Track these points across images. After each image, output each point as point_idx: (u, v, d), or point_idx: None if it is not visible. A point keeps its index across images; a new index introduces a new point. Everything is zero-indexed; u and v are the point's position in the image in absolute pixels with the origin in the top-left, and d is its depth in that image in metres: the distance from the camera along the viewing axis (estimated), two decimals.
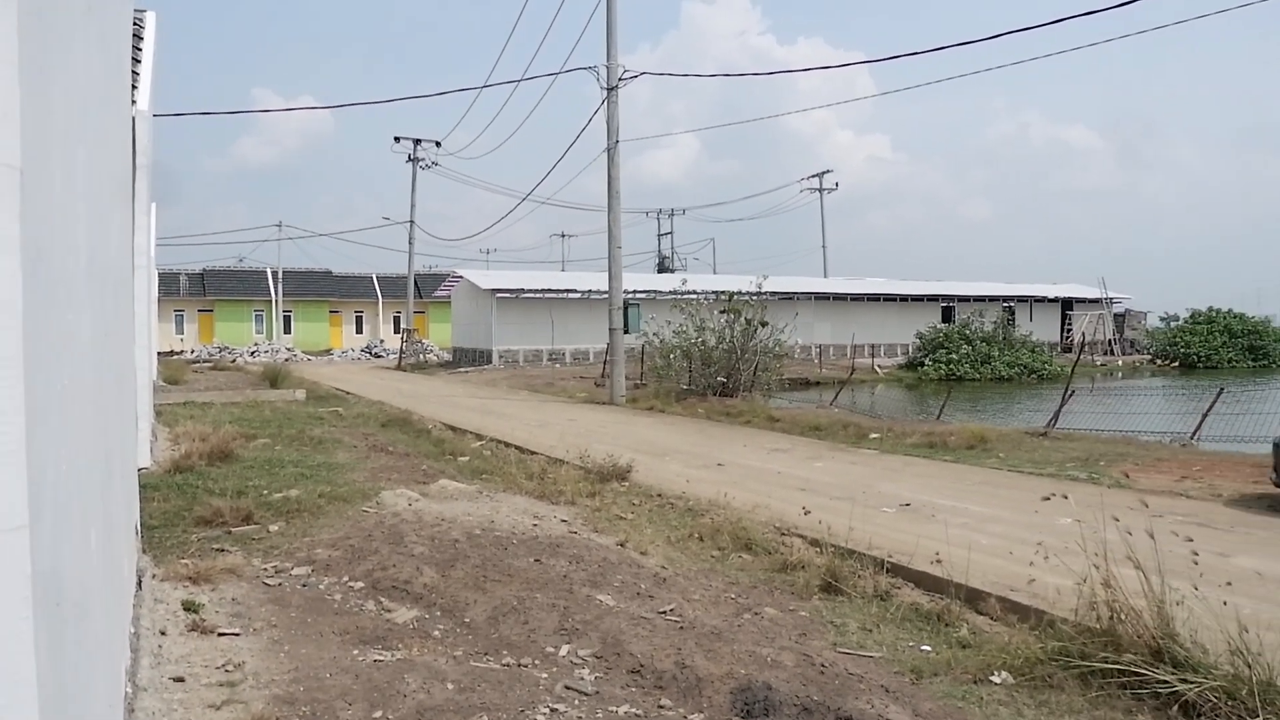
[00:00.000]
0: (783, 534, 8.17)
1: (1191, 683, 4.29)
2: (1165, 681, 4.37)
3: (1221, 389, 16.38)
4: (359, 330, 64.47)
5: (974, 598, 6.09)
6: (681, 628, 5.38)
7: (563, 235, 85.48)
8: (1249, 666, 4.24)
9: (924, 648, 5.38)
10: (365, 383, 30.05)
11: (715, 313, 23.73)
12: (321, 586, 6.11)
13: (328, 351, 57.86)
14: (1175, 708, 4.31)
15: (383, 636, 5.17)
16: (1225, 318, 52.99)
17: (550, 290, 42.77)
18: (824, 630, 5.69)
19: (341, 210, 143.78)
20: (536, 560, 6.61)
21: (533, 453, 13.56)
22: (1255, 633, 4.28)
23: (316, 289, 63.79)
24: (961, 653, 5.17)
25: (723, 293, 25.40)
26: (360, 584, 6.14)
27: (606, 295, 24.62)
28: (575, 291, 42.76)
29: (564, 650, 5.00)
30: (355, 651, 4.89)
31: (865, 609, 6.08)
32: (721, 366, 23.06)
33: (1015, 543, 7.24)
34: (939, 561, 6.49)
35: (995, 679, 4.82)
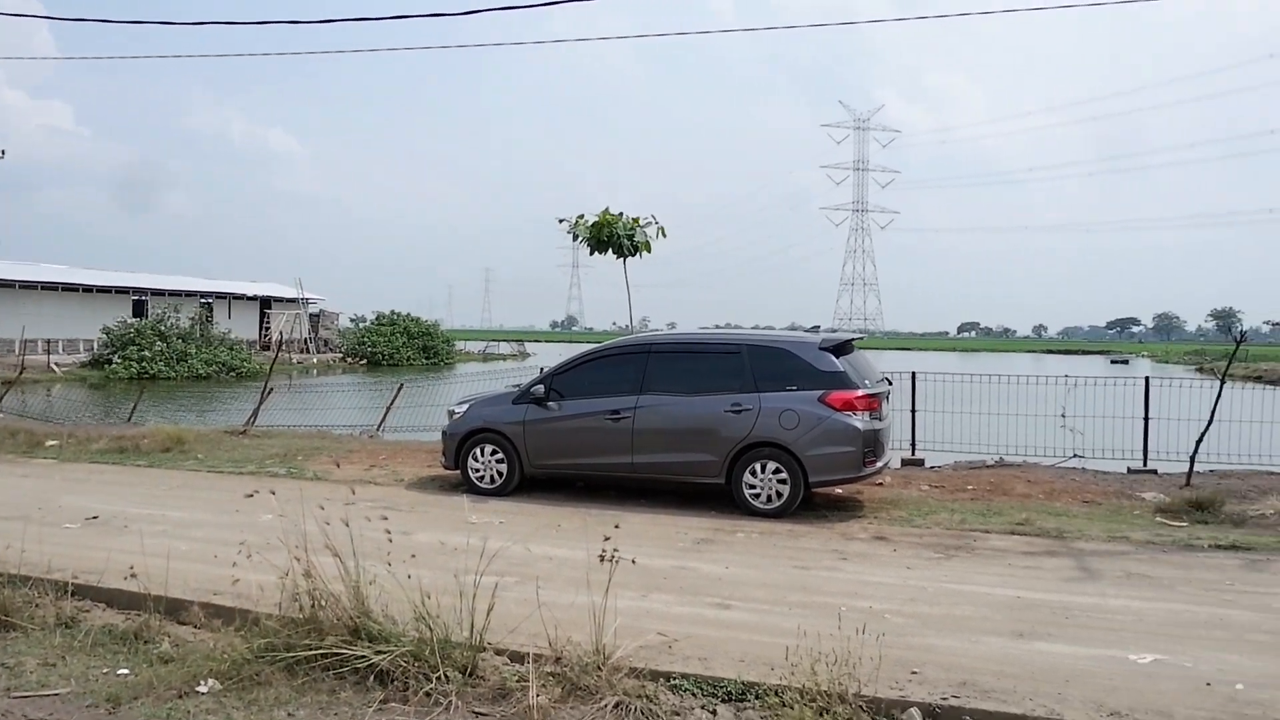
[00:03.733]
0: None
1: (384, 652, 4.71)
2: (362, 656, 4.71)
3: (401, 385, 18.31)
4: None
5: (176, 608, 5.80)
6: None
7: None
8: (430, 629, 4.80)
9: (121, 671, 4.95)
10: None
11: None
12: None
13: None
14: (373, 678, 4.68)
15: None
16: (404, 320, 59.41)
17: None
18: None
19: None
20: None
21: None
22: (435, 599, 4.86)
23: None
24: (164, 669, 4.89)
25: None
26: None
27: None
28: None
29: None
30: None
31: (47, 641, 5.36)
32: None
33: (218, 545, 7.09)
34: (134, 575, 6.00)
35: (202, 688, 4.67)
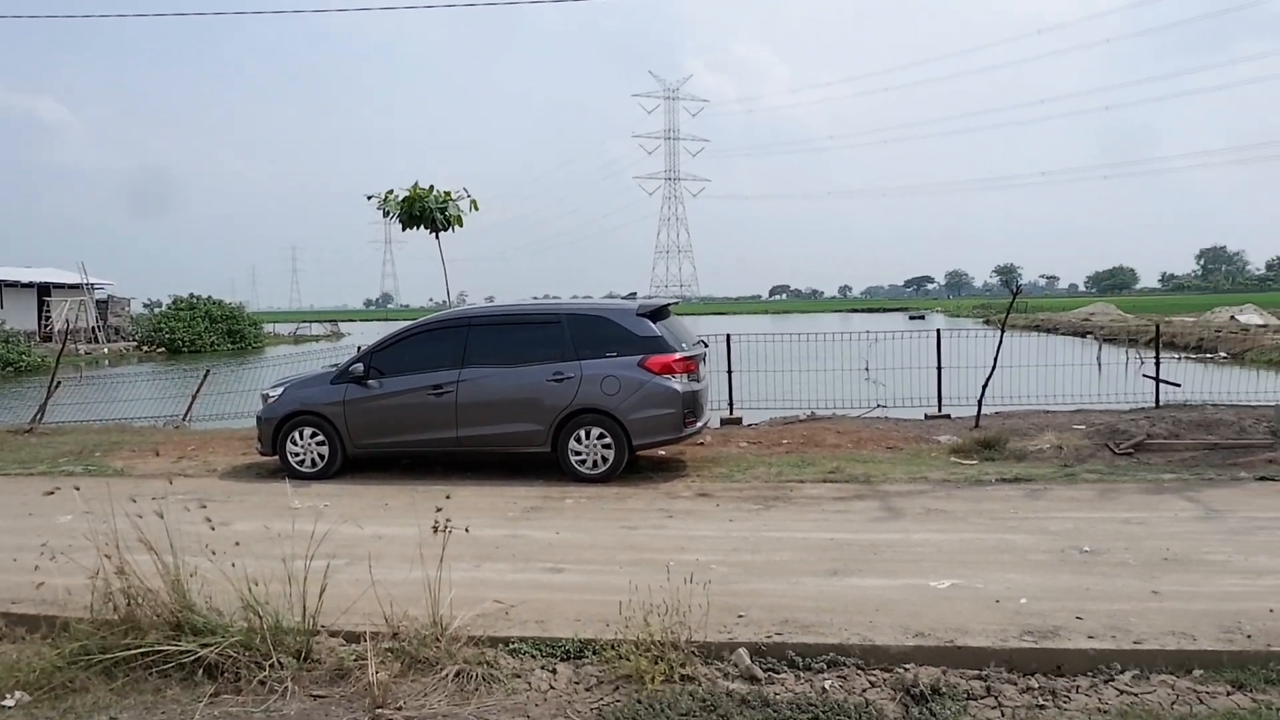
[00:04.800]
0: None
1: (211, 644, 4.57)
2: (187, 650, 4.55)
3: (208, 371, 17.40)
4: None
5: None
6: None
7: None
8: (260, 616, 4.69)
9: None
10: None
11: None
12: None
13: None
14: (201, 672, 4.54)
15: None
16: (206, 304, 56.13)
17: None
18: None
19: None
20: None
21: None
22: (264, 586, 4.75)
23: None
24: None
25: None
26: None
27: None
28: None
29: None
30: None
31: None
32: None
33: (16, 551, 6.61)
34: None
35: (9, 702, 4.39)
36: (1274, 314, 42.61)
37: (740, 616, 5.20)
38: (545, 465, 9.95)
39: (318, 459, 10.14)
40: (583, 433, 9.61)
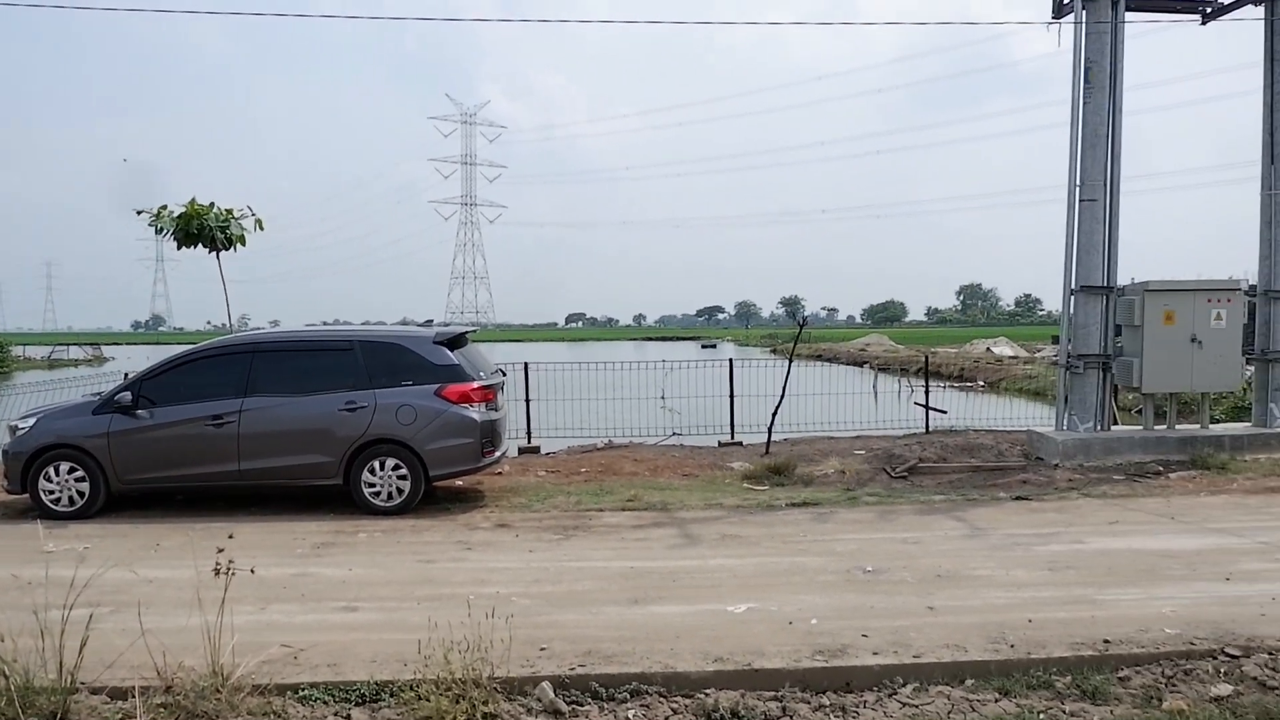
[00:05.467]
0: None
1: None
2: None
3: None
4: None
5: None
6: None
7: None
8: (5, 676, 4.19)
9: None
10: None
11: None
12: None
13: None
14: None
15: None
16: None
17: None
18: None
19: None
20: None
21: None
22: (11, 641, 4.26)
23: None
24: None
25: None
26: None
27: None
28: None
29: None
30: None
31: None
32: None
33: None
34: None
35: None
36: (1023, 346, 46.89)
37: (543, 649, 5.13)
38: (337, 498, 9.51)
39: (76, 497, 9.25)
40: (377, 464, 9.27)
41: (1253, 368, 12.92)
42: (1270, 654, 5.00)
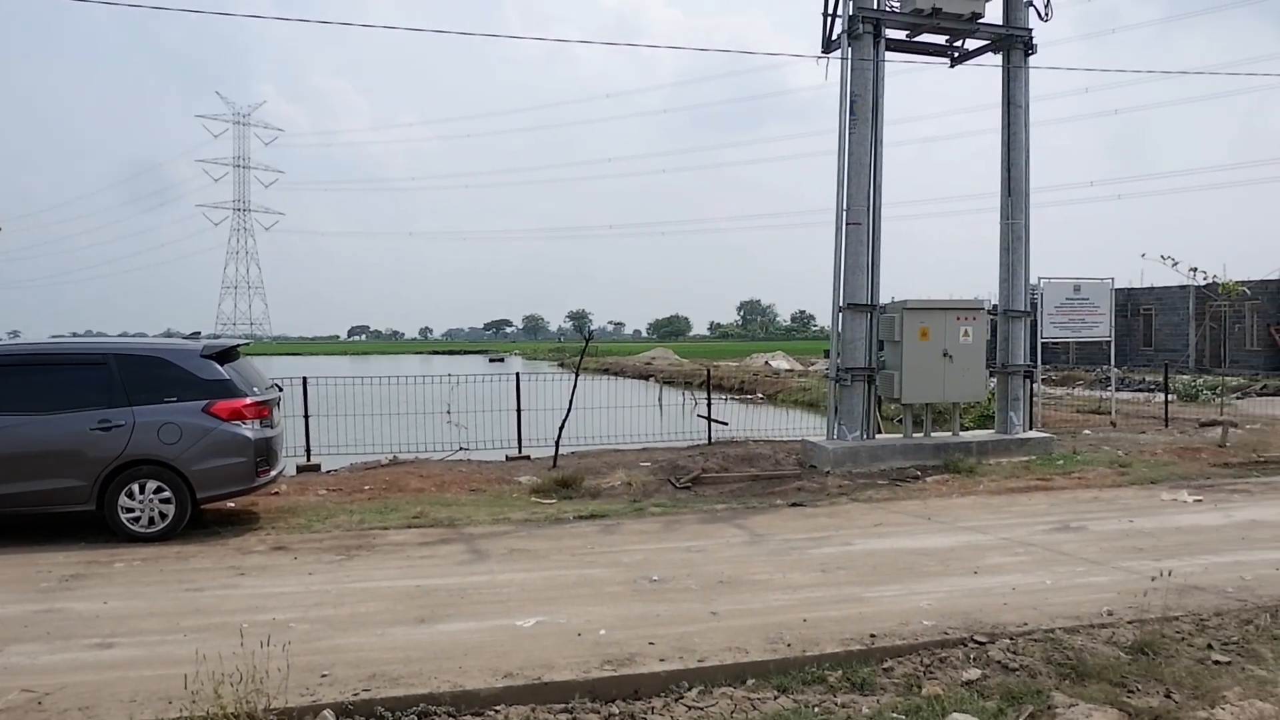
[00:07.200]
0: None
1: None
2: None
3: None
4: None
5: None
6: None
7: None
8: None
9: None
10: None
11: None
12: None
13: None
14: None
15: None
16: None
17: None
18: None
19: None
20: None
21: None
22: None
23: None
24: None
25: None
26: None
27: None
28: None
29: None
30: None
31: None
32: None
33: None
34: None
35: None
36: (799, 360, 49.51)
37: (324, 675, 4.91)
38: (90, 525, 8.74)
39: None
40: (136, 487, 8.58)
41: (995, 380, 14.24)
42: (1011, 639, 5.52)
